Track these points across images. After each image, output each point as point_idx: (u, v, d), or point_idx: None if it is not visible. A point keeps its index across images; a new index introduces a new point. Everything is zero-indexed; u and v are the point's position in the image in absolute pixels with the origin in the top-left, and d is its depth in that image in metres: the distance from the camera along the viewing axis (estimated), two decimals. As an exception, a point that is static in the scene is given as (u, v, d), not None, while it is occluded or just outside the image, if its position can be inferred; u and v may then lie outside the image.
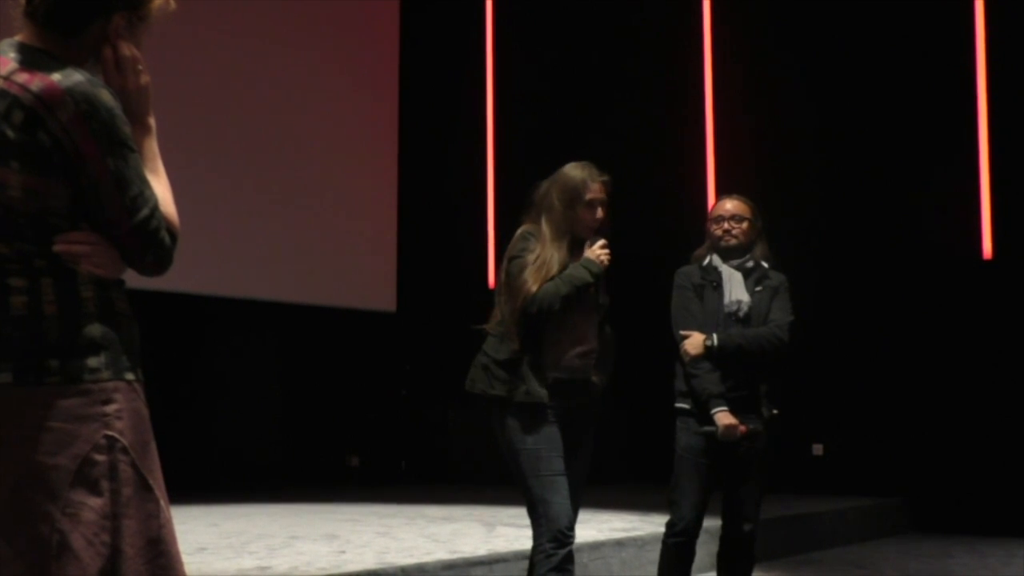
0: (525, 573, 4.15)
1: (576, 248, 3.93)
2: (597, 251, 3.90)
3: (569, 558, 3.73)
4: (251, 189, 9.30)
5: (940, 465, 8.21)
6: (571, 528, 3.76)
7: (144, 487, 1.97)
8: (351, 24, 10.33)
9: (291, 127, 9.63)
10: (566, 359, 3.85)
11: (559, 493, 3.74)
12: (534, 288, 3.77)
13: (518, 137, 10.16)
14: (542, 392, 3.77)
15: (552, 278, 3.80)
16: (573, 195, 3.88)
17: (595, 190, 3.90)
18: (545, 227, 3.88)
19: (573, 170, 3.93)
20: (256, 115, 9.37)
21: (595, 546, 5.51)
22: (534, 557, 3.76)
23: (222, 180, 8.98)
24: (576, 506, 3.87)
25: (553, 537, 3.70)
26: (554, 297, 3.77)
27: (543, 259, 3.82)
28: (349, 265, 10.09)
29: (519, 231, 3.93)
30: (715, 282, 4.33)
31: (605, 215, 3.94)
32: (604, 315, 4.01)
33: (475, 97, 10.48)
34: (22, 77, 1.94)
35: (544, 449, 3.77)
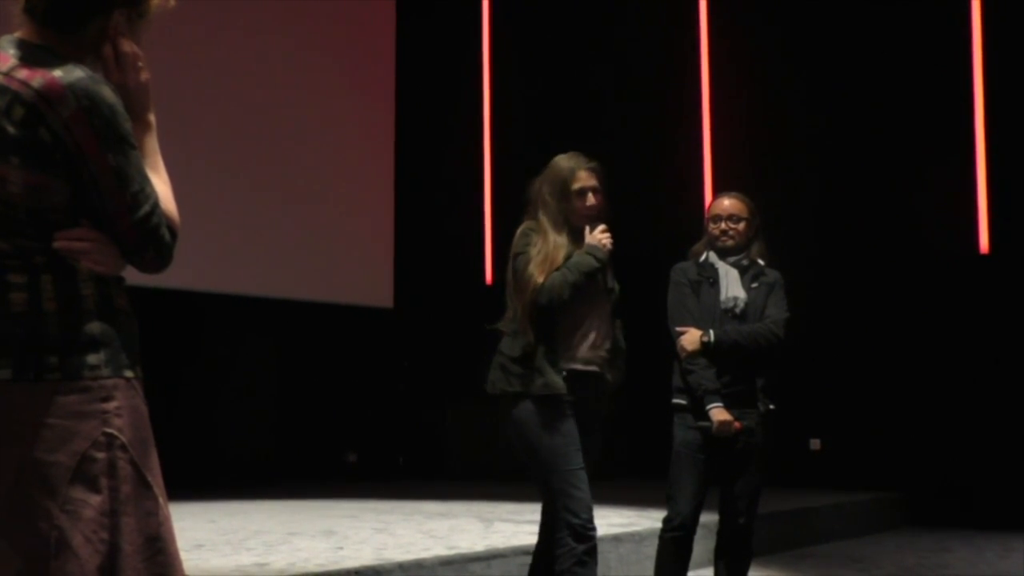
0: (524, 570, 4.15)
1: (578, 238, 3.92)
2: (598, 235, 3.90)
3: (589, 551, 3.71)
4: (248, 186, 9.29)
5: (937, 460, 8.23)
6: (591, 521, 3.74)
7: (143, 484, 1.97)
8: (348, 22, 10.33)
9: (288, 124, 9.63)
10: (579, 350, 3.85)
11: (579, 487, 3.73)
12: (541, 279, 3.77)
13: (515, 133, 10.16)
14: (559, 383, 3.75)
15: (558, 268, 3.80)
16: (562, 186, 3.90)
17: (583, 178, 3.92)
18: (543, 221, 3.89)
19: (561, 161, 3.97)
20: (253, 113, 9.36)
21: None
22: (557, 551, 3.72)
23: (219, 177, 8.97)
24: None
25: (573, 531, 3.69)
26: (563, 285, 3.77)
27: (546, 251, 3.82)
28: (346, 261, 10.09)
29: (520, 229, 3.94)
30: (712, 278, 4.35)
31: (601, 201, 3.95)
32: (615, 301, 4.01)
33: (472, 94, 10.48)
34: (23, 73, 1.94)
35: (563, 444, 3.75)
